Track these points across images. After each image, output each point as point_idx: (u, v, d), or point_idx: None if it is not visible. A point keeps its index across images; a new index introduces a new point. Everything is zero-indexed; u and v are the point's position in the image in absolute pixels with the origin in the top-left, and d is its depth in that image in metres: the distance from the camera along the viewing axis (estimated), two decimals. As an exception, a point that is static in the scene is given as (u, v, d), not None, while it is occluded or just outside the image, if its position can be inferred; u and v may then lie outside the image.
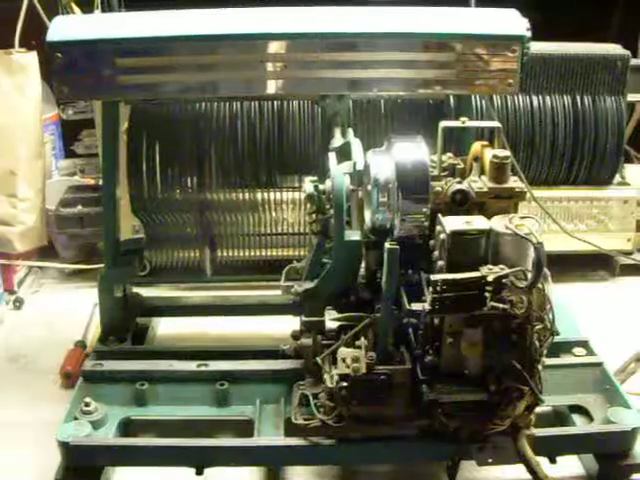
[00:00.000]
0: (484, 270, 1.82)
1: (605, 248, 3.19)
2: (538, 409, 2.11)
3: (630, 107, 3.46)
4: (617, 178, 3.35)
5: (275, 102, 2.95)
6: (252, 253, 3.09)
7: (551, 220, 2.98)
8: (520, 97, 3.13)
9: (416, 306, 1.88)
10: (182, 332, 2.90)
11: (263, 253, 3.07)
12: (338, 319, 2.09)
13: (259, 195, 2.97)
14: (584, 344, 2.46)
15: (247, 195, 2.94)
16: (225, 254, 3.06)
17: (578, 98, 3.20)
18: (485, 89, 2.32)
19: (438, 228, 1.89)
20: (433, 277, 1.82)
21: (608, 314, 3.00)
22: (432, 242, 1.92)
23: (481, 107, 2.99)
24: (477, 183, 1.98)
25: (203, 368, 2.38)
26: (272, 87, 2.31)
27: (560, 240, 3.02)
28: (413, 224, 1.93)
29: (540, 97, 3.17)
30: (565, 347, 2.45)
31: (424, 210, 1.92)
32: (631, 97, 3.33)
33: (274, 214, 3.00)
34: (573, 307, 2.67)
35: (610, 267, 3.35)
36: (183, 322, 2.89)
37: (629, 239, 3.31)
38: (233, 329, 2.87)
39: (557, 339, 2.35)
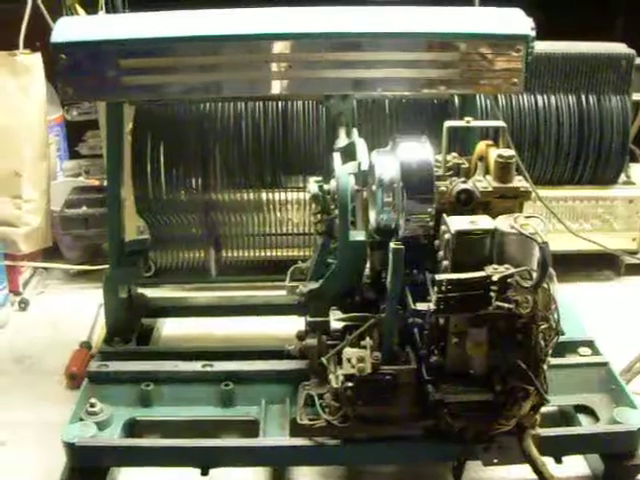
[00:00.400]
0: (489, 270, 1.81)
1: (610, 248, 3.19)
2: (544, 409, 2.11)
3: (635, 106, 3.44)
4: (622, 177, 3.34)
5: (279, 102, 2.95)
6: (257, 253, 3.08)
7: (556, 220, 2.97)
8: (525, 96, 3.13)
9: (421, 306, 1.88)
10: (187, 333, 2.90)
11: (268, 253, 3.07)
12: (343, 319, 2.09)
13: (264, 195, 2.97)
14: (589, 344, 2.46)
15: (252, 195, 2.94)
16: (230, 254, 3.06)
17: (583, 97, 3.20)
18: (489, 89, 2.32)
19: (443, 228, 1.89)
20: (438, 277, 1.81)
21: (614, 314, 2.99)
22: (437, 242, 1.92)
23: (486, 106, 2.98)
24: (482, 183, 1.98)
25: (208, 369, 2.37)
26: (276, 87, 2.31)
27: (565, 240, 3.02)
28: (418, 224, 1.93)
29: (545, 96, 3.17)
30: (570, 347, 2.44)
31: (429, 210, 1.92)
32: (636, 96, 3.32)
33: (279, 214, 2.99)
34: (578, 307, 2.66)
35: (615, 267, 3.34)
36: (188, 323, 2.89)
37: (634, 239, 3.31)
38: (238, 329, 2.87)
39: (562, 339, 2.34)
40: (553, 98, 3.17)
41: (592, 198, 3.24)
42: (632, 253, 3.31)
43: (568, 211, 3.19)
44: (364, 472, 2.27)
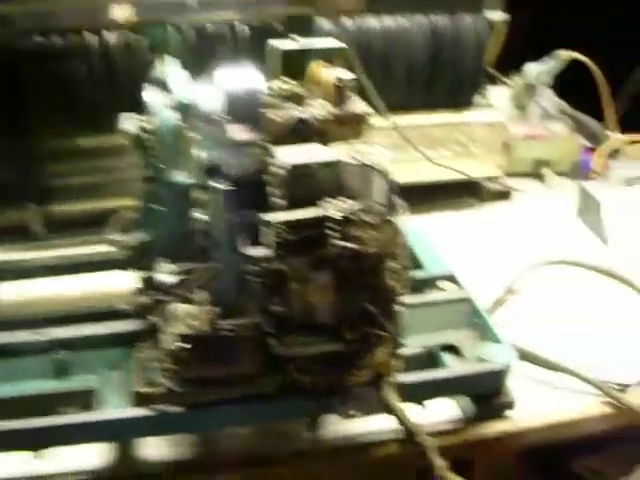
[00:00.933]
0: (328, 206, 1.62)
1: (472, 174, 3.05)
2: (408, 351, 1.95)
3: (493, 26, 3.29)
4: (481, 101, 3.20)
5: (101, 33, 2.63)
6: (88, 206, 2.80)
7: (413, 148, 2.81)
8: (371, 18, 2.92)
9: (256, 251, 1.67)
10: (16, 299, 2.60)
11: (101, 205, 2.79)
12: (174, 272, 1.87)
13: (95, 140, 2.68)
14: (450, 278, 2.29)
15: (79, 141, 2.65)
16: (59, 208, 2.77)
17: (435, 17, 3.01)
18: (327, 9, 2.13)
19: (276, 162, 1.67)
20: (272, 218, 1.61)
21: (476, 243, 2.85)
22: (270, 178, 1.70)
23: (331, 30, 2.76)
24: (319, 109, 1.77)
25: (38, 337, 2.11)
26: (92, 17, 2.07)
27: (423, 169, 2.87)
28: (248, 159, 1.71)
29: (393, 17, 2.96)
30: (430, 282, 2.27)
31: (260, 142, 1.70)
32: (490, 15, 3.16)
33: (110, 160, 2.71)
34: (438, 239, 2.51)
35: (478, 194, 3.18)
36: (16, 287, 2.59)
37: (496, 164, 3.17)
38: (72, 290, 2.58)
39: (421, 274, 2.22)
40: (402, 19, 2.97)
41: (450, 123, 3.06)
42: (494, 179, 3.18)
43: (425, 138, 2.98)
44: (217, 435, 2.07)
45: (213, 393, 1.85)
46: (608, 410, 2.13)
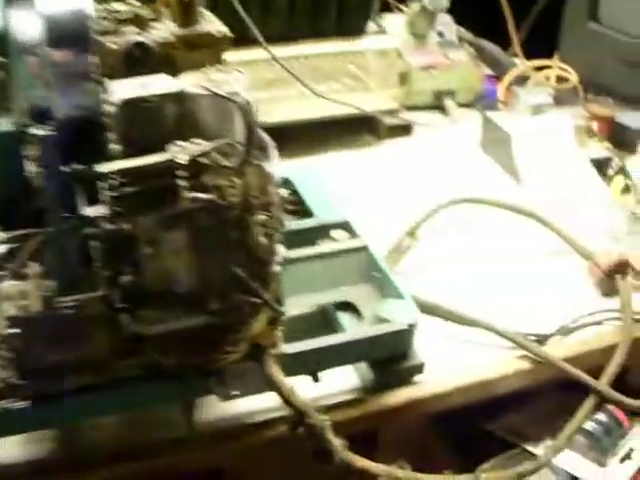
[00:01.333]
0: (176, 150, 1.31)
1: (367, 109, 2.76)
2: (297, 312, 1.80)
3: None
4: (373, 28, 2.89)
5: None
6: None
7: (299, 82, 2.50)
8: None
9: (92, 210, 1.36)
10: None
11: None
12: (2, 241, 1.54)
13: None
14: (345, 225, 1.99)
15: None
16: None
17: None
18: None
19: (108, 98, 1.35)
20: (105, 167, 1.30)
21: (374, 184, 2.56)
22: (106, 120, 1.38)
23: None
24: (161, 32, 1.45)
25: None
26: None
27: (312, 105, 2.57)
28: (79, 98, 1.38)
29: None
30: (322, 232, 1.97)
31: (90, 76, 1.38)
32: None
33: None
34: (333, 182, 2.23)
35: (375, 130, 2.88)
36: None
37: (393, 96, 2.88)
38: None
39: (311, 223, 1.96)
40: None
41: (339, 53, 2.74)
42: (392, 112, 2.89)
43: (313, 71, 2.66)
44: (80, 428, 1.76)
45: (61, 382, 1.53)
46: (527, 365, 1.89)
